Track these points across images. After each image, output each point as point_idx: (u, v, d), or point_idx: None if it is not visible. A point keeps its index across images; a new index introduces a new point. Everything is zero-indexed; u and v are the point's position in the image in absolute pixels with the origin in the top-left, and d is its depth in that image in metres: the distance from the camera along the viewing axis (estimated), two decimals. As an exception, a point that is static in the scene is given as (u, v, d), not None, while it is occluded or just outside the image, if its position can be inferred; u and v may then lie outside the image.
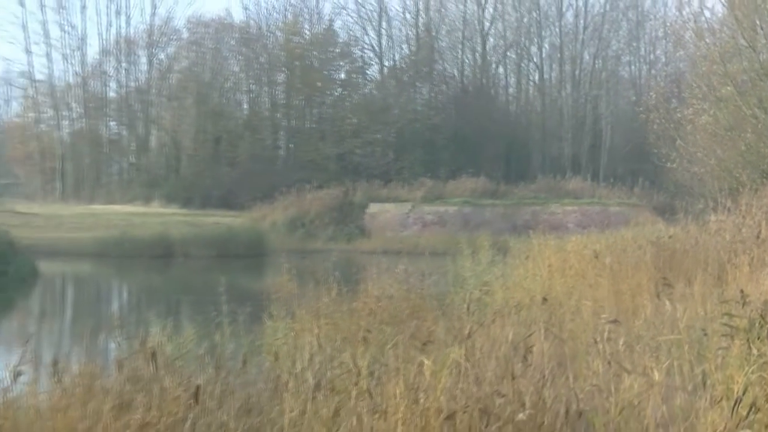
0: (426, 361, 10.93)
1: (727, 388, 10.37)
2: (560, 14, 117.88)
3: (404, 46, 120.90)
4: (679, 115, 59.99)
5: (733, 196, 33.70)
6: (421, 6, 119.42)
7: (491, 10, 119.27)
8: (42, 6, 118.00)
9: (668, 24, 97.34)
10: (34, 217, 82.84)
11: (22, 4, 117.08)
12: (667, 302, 15.15)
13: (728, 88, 51.91)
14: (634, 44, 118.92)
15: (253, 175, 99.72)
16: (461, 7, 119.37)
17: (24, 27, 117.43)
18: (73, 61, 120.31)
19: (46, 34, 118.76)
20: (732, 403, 9.94)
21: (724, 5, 57.76)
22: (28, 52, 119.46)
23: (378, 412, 9.75)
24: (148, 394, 9.91)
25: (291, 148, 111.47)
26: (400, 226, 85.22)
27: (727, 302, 13.62)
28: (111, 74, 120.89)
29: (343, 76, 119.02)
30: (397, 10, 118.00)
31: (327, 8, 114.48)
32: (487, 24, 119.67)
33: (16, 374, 10.43)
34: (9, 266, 57.62)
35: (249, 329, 16.92)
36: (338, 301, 23.51)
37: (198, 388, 9.95)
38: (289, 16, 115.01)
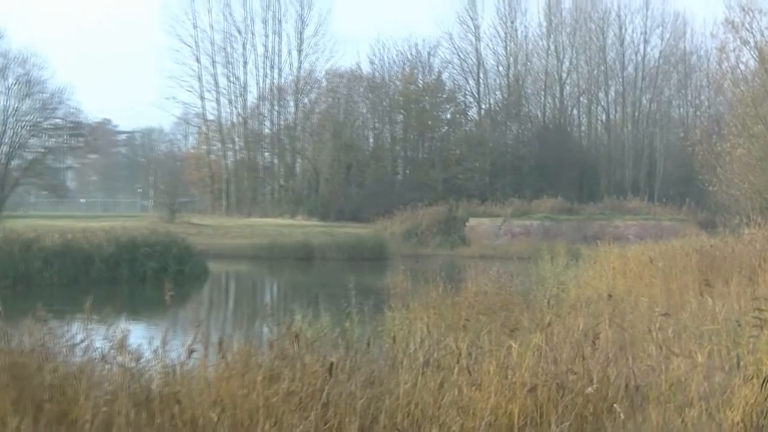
0: (513, 345, 10.91)
1: (757, 368, 10.33)
2: (623, 67, 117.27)
3: (497, 93, 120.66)
4: (719, 148, 59.92)
5: (763, 214, 33.95)
6: (511, 61, 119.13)
7: (567, 63, 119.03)
8: (213, 62, 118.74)
9: (710, 75, 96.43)
10: (205, 227, 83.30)
11: (197, 61, 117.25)
12: (709, 299, 15.18)
13: (759, 126, 52.52)
14: (683, 91, 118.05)
15: (376, 195, 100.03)
16: (543, 61, 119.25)
17: (199, 78, 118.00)
18: (236, 105, 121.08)
19: (216, 84, 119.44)
20: (761, 381, 9.95)
21: (755, 60, 57.91)
22: (202, 98, 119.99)
23: (475, 385, 9.73)
24: (293, 368, 9.93)
25: (407, 173, 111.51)
26: (493, 236, 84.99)
27: (757, 299, 13.56)
28: (266, 115, 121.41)
29: (448, 116, 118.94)
30: (492, 63, 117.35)
31: (436, 62, 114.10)
32: (564, 75, 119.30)
33: (190, 351, 10.48)
34: (186, 266, 58.25)
35: (372, 317, 16.91)
36: (443, 295, 23.49)
37: (332, 364, 9.97)
38: (406, 69, 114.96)
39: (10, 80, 73.82)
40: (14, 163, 75.54)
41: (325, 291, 34.79)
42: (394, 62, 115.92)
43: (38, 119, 75.42)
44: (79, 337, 10.90)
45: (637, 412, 9.48)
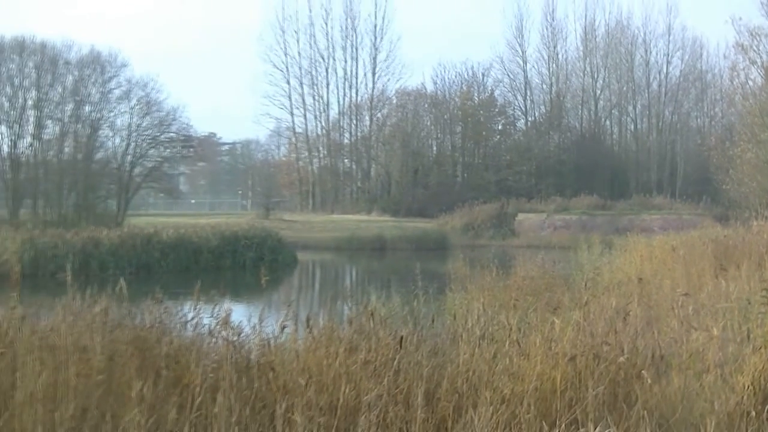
0: (556, 321, 10.87)
1: (765, 340, 10.28)
2: (648, 84, 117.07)
3: (542, 107, 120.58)
4: (731, 152, 59.87)
5: (769, 209, 34.07)
6: (553, 80, 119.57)
7: (601, 81, 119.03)
8: (301, 84, 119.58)
9: (723, 90, 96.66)
10: (294, 223, 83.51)
11: (288, 83, 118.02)
12: (723, 281, 15.07)
13: (766, 134, 52.46)
14: (700, 104, 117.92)
15: (439, 195, 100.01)
16: (580, 80, 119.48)
17: (289, 98, 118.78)
18: (320, 120, 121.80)
19: (304, 102, 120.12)
20: (769, 350, 9.99)
21: (762, 77, 58.07)
22: (292, 114, 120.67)
23: (523, 355, 9.71)
24: (369, 341, 9.94)
25: (465, 176, 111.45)
26: (538, 229, 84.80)
27: (765, 281, 13.54)
28: (345, 128, 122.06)
29: (500, 127, 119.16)
30: (537, 82, 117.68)
31: (489, 82, 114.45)
32: (598, 91, 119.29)
33: (283, 327, 10.51)
34: (278, 255, 58.78)
35: (436, 298, 16.89)
36: (496, 279, 23.45)
37: (402, 338, 9.96)
38: (464, 88, 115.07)
39: (134, 101, 74.54)
40: (137, 170, 76.21)
41: (395, 276, 34.89)
42: (454, 82, 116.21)
43: (156, 134, 75.99)
44: (190, 315, 10.97)
45: (661, 378, 9.44)
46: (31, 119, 72.45)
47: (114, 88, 74.79)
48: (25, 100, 72.14)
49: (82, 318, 9.76)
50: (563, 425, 8.49)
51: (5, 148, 72.89)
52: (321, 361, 9.48)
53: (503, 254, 47.99)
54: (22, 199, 71.96)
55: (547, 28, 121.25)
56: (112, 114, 75.20)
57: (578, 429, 8.54)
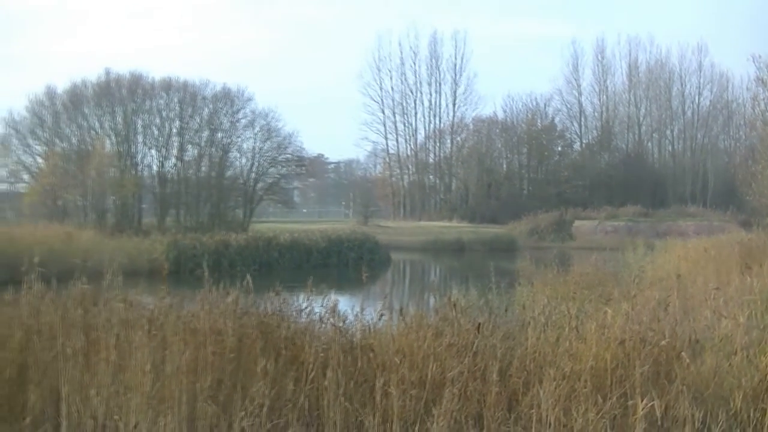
0: (608, 310, 10.80)
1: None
2: (683, 112, 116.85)
3: (594, 131, 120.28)
4: (753, 169, 58.86)
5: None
6: (603, 108, 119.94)
7: (643, 110, 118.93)
8: (393, 113, 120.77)
9: (746, 117, 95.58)
10: (388, 228, 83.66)
11: (382, 112, 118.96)
12: (748, 277, 14.94)
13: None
14: (726, 129, 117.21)
15: (508, 205, 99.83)
16: (626, 109, 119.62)
17: (384, 124, 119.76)
18: (410, 143, 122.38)
19: (395, 128, 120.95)
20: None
21: (779, 107, 57.67)
22: (386, 138, 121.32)
23: (581, 339, 9.66)
24: (452, 327, 9.93)
25: (530, 189, 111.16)
26: (592, 233, 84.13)
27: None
28: (430, 149, 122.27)
29: (559, 148, 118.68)
30: (590, 110, 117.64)
31: (550, 110, 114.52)
32: (641, 118, 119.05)
33: (380, 315, 10.53)
34: (375, 255, 59.15)
35: (507, 291, 16.84)
36: (557, 275, 23.36)
37: (479, 324, 9.94)
38: (529, 115, 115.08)
39: (257, 129, 75.35)
40: (259, 185, 76.92)
41: (472, 273, 34.80)
42: (520, 111, 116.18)
43: (275, 155, 76.58)
44: (304, 305, 11.01)
45: (697, 358, 9.36)
46: (175, 144, 73.58)
47: (241, 118, 75.67)
48: (171, 129, 73.31)
49: (217, 306, 9.85)
50: (614, 398, 8.45)
51: (155, 167, 74.32)
52: (412, 343, 9.48)
53: (562, 255, 47.64)
54: (168, 209, 73.08)
55: (597, 66, 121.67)
56: (239, 139, 76.09)
57: (627, 401, 8.49)
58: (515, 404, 8.86)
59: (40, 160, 72.64)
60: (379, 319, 10.61)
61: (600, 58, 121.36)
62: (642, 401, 8.06)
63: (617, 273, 26.38)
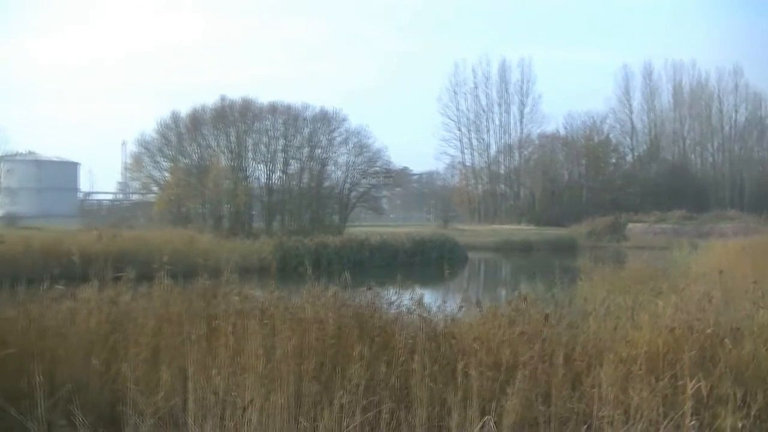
0: (659, 302, 10.70)
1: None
2: (722, 127, 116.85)
3: (644, 145, 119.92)
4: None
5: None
6: (651, 125, 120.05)
7: (687, 126, 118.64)
8: (468, 131, 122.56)
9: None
10: (464, 231, 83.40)
11: (459, 130, 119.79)
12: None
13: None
14: (761, 142, 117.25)
15: (570, 210, 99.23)
16: (672, 125, 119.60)
17: (460, 141, 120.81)
18: (483, 156, 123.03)
19: (471, 144, 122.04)
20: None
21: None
22: (462, 152, 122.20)
23: (636, 327, 9.56)
24: (522, 317, 9.88)
25: (588, 196, 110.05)
26: (643, 234, 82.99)
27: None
28: (501, 162, 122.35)
29: (613, 160, 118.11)
30: (640, 127, 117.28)
31: (605, 127, 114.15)
32: (685, 134, 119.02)
33: (460, 306, 10.52)
34: (454, 254, 59.20)
35: (569, 286, 16.70)
36: (614, 271, 23.16)
37: (547, 315, 9.87)
38: (587, 131, 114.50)
39: (350, 145, 76.15)
40: (352, 194, 77.65)
41: (538, 270, 34.61)
42: (579, 127, 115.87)
43: (366, 168, 77.22)
44: (393, 298, 11.03)
45: (738, 344, 9.20)
46: (280, 159, 74.64)
47: (337, 136, 76.56)
48: (276, 146, 74.48)
49: (319, 299, 9.92)
50: (666, 379, 8.34)
51: (263, 180, 75.49)
52: (488, 331, 9.44)
53: (617, 253, 47.22)
54: (274, 215, 73.97)
55: (646, 87, 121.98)
56: (335, 154, 77.04)
57: (677, 382, 8.38)
58: (578, 384, 8.79)
59: (166, 174, 74.13)
60: (459, 310, 10.59)
61: (648, 81, 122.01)
62: (690, 382, 7.96)
63: (666, 269, 26.09)
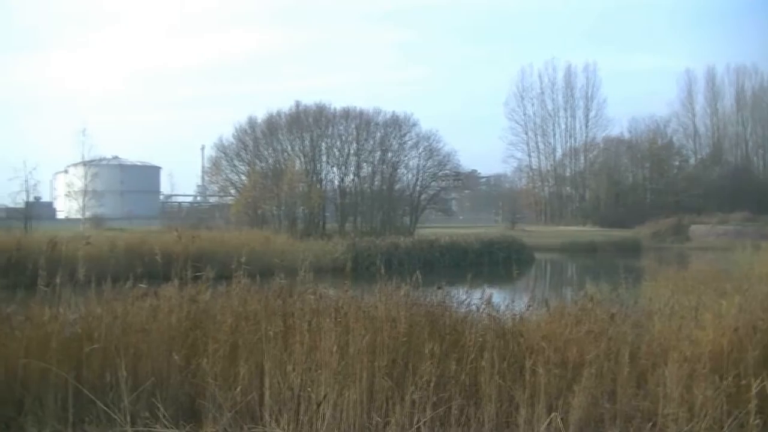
0: (723, 302, 10.54)
1: None
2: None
3: (707, 148, 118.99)
4: None
5: None
6: (714, 129, 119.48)
7: (749, 129, 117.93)
8: (535, 135, 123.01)
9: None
10: (531, 232, 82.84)
11: (526, 134, 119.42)
12: None
13: None
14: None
15: (634, 211, 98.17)
16: (734, 128, 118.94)
17: (527, 144, 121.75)
18: (549, 159, 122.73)
19: (537, 147, 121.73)
20: None
21: None
22: (529, 156, 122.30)
23: (700, 327, 9.43)
24: (588, 316, 9.80)
25: (652, 198, 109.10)
26: (705, 235, 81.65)
27: None
28: (567, 165, 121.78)
29: (677, 163, 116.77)
30: (703, 130, 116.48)
31: (669, 130, 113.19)
32: (747, 136, 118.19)
33: (528, 306, 10.46)
34: (521, 255, 59.00)
35: (633, 286, 16.50)
36: (678, 272, 22.86)
37: (612, 314, 9.79)
38: (650, 135, 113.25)
39: (421, 149, 76.02)
40: (423, 196, 77.56)
41: (603, 270, 34.22)
42: (643, 131, 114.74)
43: (436, 171, 77.12)
44: (463, 297, 10.99)
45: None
46: (353, 163, 74.67)
47: (408, 140, 76.37)
48: (349, 150, 74.47)
49: (391, 298, 9.90)
50: (730, 378, 8.24)
51: (336, 182, 75.73)
52: (555, 329, 9.39)
53: (680, 254, 46.68)
54: (347, 217, 74.17)
55: (709, 92, 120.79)
56: (406, 158, 76.87)
57: (741, 381, 8.25)
58: (643, 382, 8.71)
59: (243, 177, 74.68)
60: (527, 309, 10.53)
61: (711, 85, 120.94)
62: (754, 381, 7.84)
63: (729, 270, 25.63)
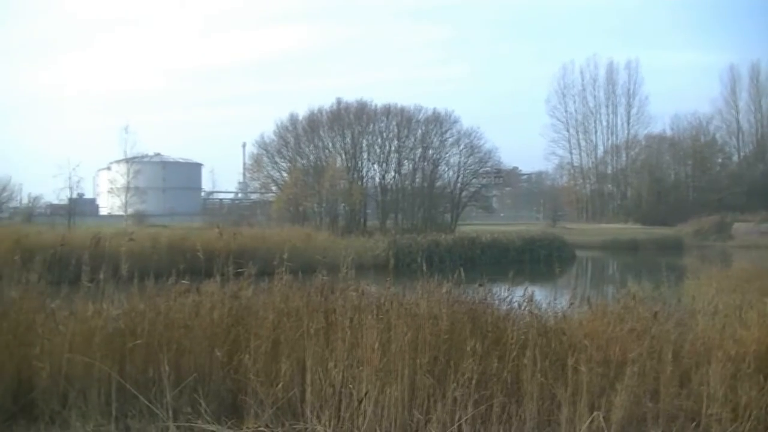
0: (767, 301, 10.44)
1: None
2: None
3: (750, 145, 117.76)
4: None
5: None
6: (758, 125, 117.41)
7: None
8: (577, 132, 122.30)
9: None
10: (572, 230, 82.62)
11: (567, 131, 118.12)
12: None
13: None
14: None
15: (676, 209, 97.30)
16: None
17: (568, 141, 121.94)
18: (591, 157, 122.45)
19: (578, 145, 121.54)
20: None
21: None
22: (570, 153, 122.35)
23: (744, 326, 9.33)
24: (631, 314, 9.71)
25: (694, 195, 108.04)
26: (748, 234, 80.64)
27: None
28: (608, 162, 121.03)
29: (719, 160, 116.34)
30: (746, 127, 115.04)
31: (711, 127, 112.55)
32: None
33: (570, 303, 10.39)
34: (562, 252, 59.00)
35: (676, 284, 16.36)
36: (721, 270, 22.64)
37: (655, 312, 9.67)
38: (693, 132, 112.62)
39: (462, 146, 75.91)
40: (463, 193, 77.46)
41: (645, 268, 33.89)
42: (686, 128, 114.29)
43: (477, 168, 77.00)
44: (504, 295, 10.94)
45: None
46: (394, 160, 74.75)
47: (449, 137, 76.31)
48: (390, 147, 74.53)
49: (433, 295, 9.87)
50: (775, 378, 8.14)
51: (377, 179, 75.77)
52: (597, 327, 9.32)
53: (723, 253, 46.22)
54: (388, 214, 74.22)
55: (753, 88, 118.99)
56: (447, 155, 76.85)
57: (787, 381, 8.16)
58: (687, 382, 8.62)
59: (285, 174, 75.02)
60: (569, 307, 10.47)
61: (755, 81, 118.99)
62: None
63: (769, 268, 25.39)
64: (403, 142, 74.94)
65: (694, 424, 8.04)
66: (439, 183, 77.33)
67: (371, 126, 74.71)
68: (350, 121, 74.08)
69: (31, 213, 71.71)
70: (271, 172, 76.22)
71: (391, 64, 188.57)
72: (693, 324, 9.88)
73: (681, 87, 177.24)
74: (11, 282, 10.13)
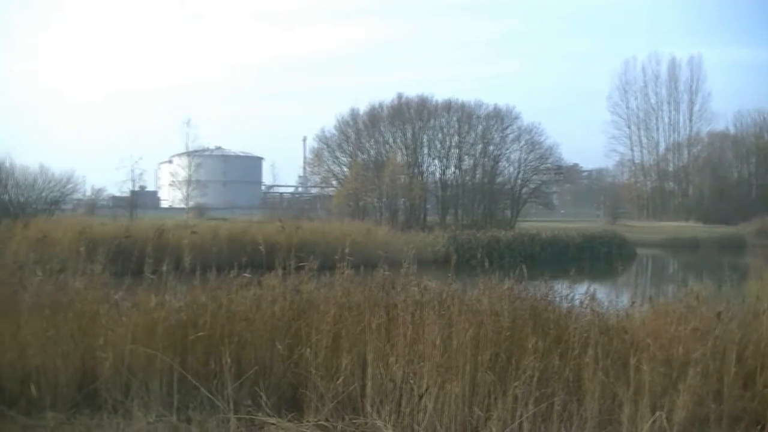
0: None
1: None
2: None
3: None
4: None
5: None
6: None
7: None
8: (638, 129, 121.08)
9: None
10: (633, 227, 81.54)
11: (628, 128, 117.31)
12: None
13: None
14: None
15: (738, 208, 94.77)
16: None
17: (629, 138, 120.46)
18: (652, 154, 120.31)
19: (640, 142, 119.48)
20: None
21: None
22: (631, 150, 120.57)
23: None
24: (694, 314, 9.57)
25: (758, 193, 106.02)
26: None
27: None
28: (670, 160, 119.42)
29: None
30: None
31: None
32: None
33: (632, 301, 10.27)
34: (623, 250, 58.64)
35: (739, 284, 16.08)
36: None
37: (719, 312, 9.48)
38: (757, 129, 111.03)
39: (522, 142, 75.44)
40: (524, 190, 77.04)
41: (706, 267, 33.43)
42: (749, 126, 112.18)
43: (538, 165, 76.46)
44: (565, 292, 10.86)
45: None
46: (454, 155, 74.53)
47: (509, 133, 75.79)
48: (451, 143, 74.32)
49: (495, 291, 9.83)
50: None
51: (437, 175, 75.66)
52: (660, 327, 9.21)
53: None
54: (448, 209, 74.04)
55: None
56: (507, 151, 76.32)
57: None
58: (751, 383, 8.49)
59: (345, 169, 75.25)
60: (631, 306, 10.34)
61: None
62: None
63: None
64: (464, 138, 74.74)
65: (759, 426, 7.93)
66: (499, 179, 77.00)
67: (432, 121, 74.67)
68: (411, 116, 74.09)
69: (94, 205, 72.47)
70: (332, 167, 76.55)
71: (451, 59, 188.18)
72: (757, 325, 9.69)
73: (744, 83, 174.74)
74: (76, 273, 10.27)
